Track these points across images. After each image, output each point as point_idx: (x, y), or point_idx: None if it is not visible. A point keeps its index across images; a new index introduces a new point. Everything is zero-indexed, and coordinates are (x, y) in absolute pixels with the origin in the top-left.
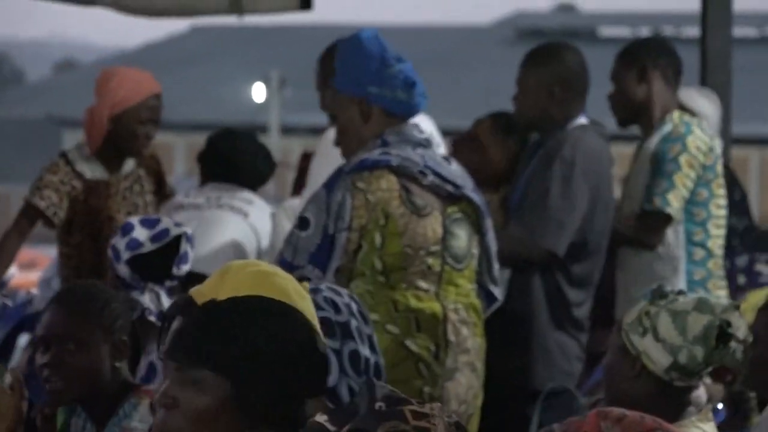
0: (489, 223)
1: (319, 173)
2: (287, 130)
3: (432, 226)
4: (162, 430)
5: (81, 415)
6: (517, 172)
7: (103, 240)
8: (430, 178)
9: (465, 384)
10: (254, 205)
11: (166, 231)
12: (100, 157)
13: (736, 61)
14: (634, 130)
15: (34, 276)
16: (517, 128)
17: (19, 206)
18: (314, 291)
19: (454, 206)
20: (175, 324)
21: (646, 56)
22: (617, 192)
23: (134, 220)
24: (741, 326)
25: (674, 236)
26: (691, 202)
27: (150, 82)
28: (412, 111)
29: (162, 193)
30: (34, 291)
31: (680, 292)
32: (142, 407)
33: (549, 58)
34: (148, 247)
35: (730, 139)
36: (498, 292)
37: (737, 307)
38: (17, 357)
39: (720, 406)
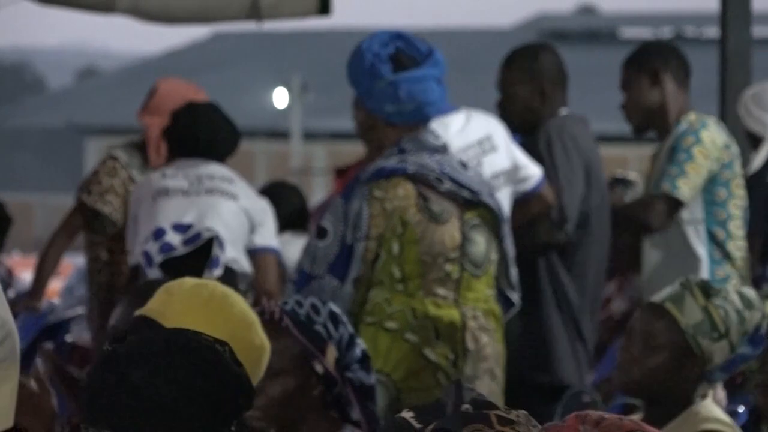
0: (507, 228)
1: None
2: (309, 136)
3: (450, 232)
4: None
5: None
6: None
7: None
8: (447, 184)
9: (485, 391)
10: (236, 184)
11: (198, 235)
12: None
13: (756, 61)
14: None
15: (55, 284)
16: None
17: (41, 215)
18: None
19: (471, 212)
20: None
21: (656, 59)
22: (640, 193)
23: (165, 225)
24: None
25: (696, 235)
26: (711, 202)
27: (197, 92)
28: (409, 122)
29: None
30: (56, 300)
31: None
32: None
33: (529, 60)
34: (181, 251)
35: None
36: (515, 297)
37: None
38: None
39: (741, 408)
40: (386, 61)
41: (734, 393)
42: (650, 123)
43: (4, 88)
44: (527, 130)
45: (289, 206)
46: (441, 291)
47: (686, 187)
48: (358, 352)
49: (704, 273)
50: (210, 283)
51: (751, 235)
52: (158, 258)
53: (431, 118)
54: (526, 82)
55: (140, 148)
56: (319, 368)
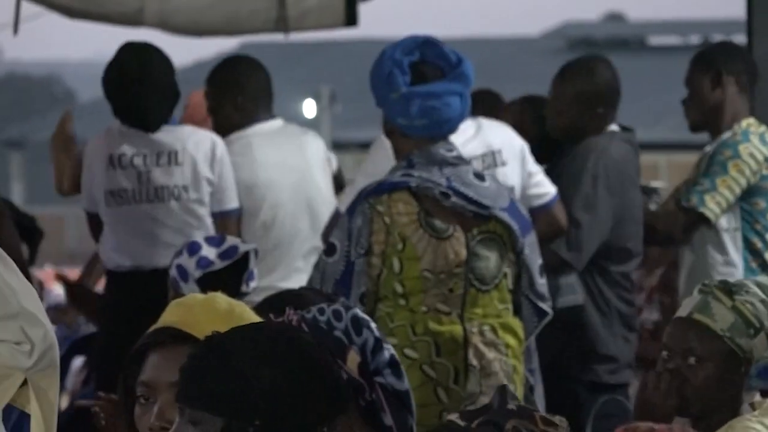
0: (528, 239)
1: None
2: (338, 146)
3: (454, 248)
4: None
5: None
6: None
7: None
8: (453, 199)
9: None
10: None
11: (234, 248)
12: None
13: None
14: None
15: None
16: (545, 120)
17: (73, 228)
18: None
19: (481, 226)
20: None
21: (721, 62)
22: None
23: (198, 238)
24: None
25: (732, 242)
26: (749, 212)
27: None
28: (422, 135)
29: None
30: None
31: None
32: None
33: (585, 73)
34: (218, 265)
35: None
36: (546, 306)
37: None
38: (71, 380)
39: None
40: (406, 70)
41: None
42: (705, 123)
43: (34, 101)
44: (567, 140)
45: None
46: (443, 307)
47: (714, 204)
48: (386, 355)
49: None
50: (215, 294)
51: None
52: (196, 273)
53: (446, 135)
54: (573, 94)
55: None
56: (342, 374)
